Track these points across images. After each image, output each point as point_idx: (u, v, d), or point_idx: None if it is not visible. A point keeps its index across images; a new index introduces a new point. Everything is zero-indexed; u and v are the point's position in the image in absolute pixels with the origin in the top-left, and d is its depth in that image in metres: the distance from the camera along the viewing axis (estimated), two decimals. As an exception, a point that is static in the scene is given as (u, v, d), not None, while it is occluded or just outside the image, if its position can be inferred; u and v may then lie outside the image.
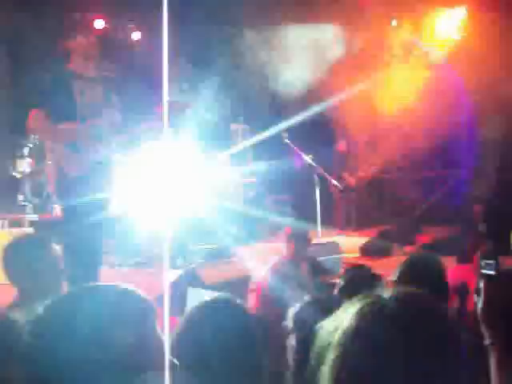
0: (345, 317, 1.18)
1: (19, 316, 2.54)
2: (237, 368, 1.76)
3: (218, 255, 7.96)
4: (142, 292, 1.44)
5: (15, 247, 2.72)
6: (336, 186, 9.19)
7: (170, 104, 4.69)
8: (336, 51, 9.87)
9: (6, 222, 8.62)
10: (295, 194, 12.07)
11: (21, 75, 10.75)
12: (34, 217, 8.06)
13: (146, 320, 1.36)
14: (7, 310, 2.57)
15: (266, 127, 11.85)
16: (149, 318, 1.37)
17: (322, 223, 8.31)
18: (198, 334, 1.82)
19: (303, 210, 10.23)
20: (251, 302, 5.03)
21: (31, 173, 8.48)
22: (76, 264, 4.39)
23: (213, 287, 4.89)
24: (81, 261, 4.43)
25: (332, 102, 9.43)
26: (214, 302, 1.96)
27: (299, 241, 4.72)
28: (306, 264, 4.55)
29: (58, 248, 2.85)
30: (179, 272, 5.93)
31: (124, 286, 1.41)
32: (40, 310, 1.33)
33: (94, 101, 4.49)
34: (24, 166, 8.51)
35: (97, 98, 4.53)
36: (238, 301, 2.00)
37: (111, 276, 7.38)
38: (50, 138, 4.74)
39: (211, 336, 1.78)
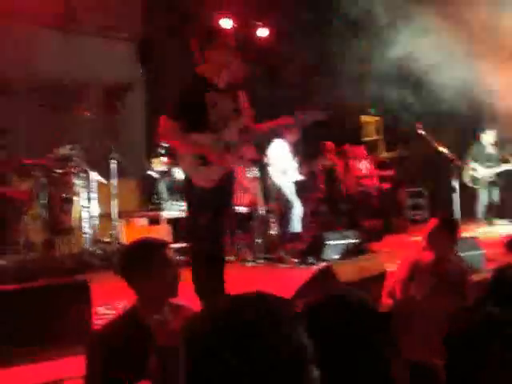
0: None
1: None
2: None
3: (355, 251, 7.84)
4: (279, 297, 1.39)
5: (132, 251, 2.82)
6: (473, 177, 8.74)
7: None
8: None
9: (146, 220, 8.96)
10: (431, 186, 11.68)
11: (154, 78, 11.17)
12: (170, 214, 8.29)
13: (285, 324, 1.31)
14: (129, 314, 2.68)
15: (398, 118, 11.55)
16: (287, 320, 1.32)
17: (461, 216, 7.89)
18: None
19: (440, 203, 9.85)
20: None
21: (167, 171, 8.75)
22: (203, 263, 4.52)
23: (348, 285, 4.78)
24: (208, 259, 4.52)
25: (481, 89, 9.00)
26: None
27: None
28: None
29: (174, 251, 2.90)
30: (314, 268, 5.87)
31: (263, 294, 1.37)
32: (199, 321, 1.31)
33: (225, 112, 4.45)
34: (160, 164, 8.81)
35: (228, 109, 4.48)
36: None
37: (245, 272, 7.48)
38: (178, 147, 4.70)
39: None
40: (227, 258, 7.92)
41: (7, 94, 9.40)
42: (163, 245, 2.83)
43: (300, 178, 8.92)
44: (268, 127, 4.77)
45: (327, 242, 7.75)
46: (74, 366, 2.96)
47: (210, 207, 4.42)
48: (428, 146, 8.45)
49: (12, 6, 8.68)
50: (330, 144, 10.36)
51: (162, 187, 8.68)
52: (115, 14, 10.10)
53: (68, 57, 9.84)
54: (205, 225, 4.39)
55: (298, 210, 8.57)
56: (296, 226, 8.56)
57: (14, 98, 9.47)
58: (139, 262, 2.71)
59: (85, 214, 7.84)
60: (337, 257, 7.60)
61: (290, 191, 8.64)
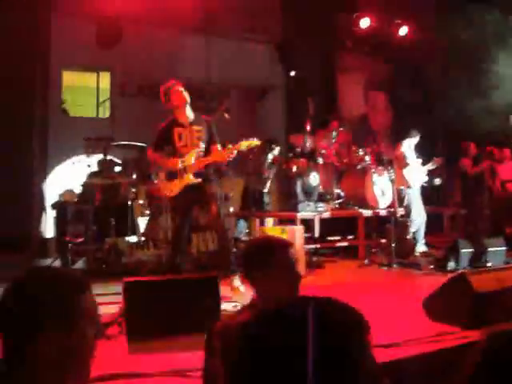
0: None
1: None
2: None
3: (495, 259, 7.41)
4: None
5: (253, 251, 2.78)
6: None
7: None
8: None
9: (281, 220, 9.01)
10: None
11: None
12: (305, 215, 8.23)
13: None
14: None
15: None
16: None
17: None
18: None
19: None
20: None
21: (303, 173, 8.71)
22: None
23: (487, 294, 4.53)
24: None
25: None
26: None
27: None
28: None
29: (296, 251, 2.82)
30: (450, 276, 5.61)
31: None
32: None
33: (189, 141, 5.98)
34: (296, 166, 8.78)
35: (192, 138, 5.98)
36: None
37: (379, 275, 7.40)
38: (158, 165, 6.41)
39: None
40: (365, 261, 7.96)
41: (150, 97, 9.85)
42: (285, 245, 2.76)
43: (424, 181, 8.70)
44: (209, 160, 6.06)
45: (463, 250, 7.35)
46: (194, 359, 3.00)
47: (181, 210, 6.16)
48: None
49: (154, 11, 9.05)
50: (473, 146, 9.85)
51: (298, 188, 8.68)
52: (255, 16, 10.26)
53: (209, 59, 10.14)
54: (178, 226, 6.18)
55: (417, 216, 8.44)
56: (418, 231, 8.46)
57: (157, 100, 9.90)
58: (259, 263, 2.68)
59: (222, 213, 8.00)
60: (478, 265, 7.21)
61: (411, 195, 8.50)
